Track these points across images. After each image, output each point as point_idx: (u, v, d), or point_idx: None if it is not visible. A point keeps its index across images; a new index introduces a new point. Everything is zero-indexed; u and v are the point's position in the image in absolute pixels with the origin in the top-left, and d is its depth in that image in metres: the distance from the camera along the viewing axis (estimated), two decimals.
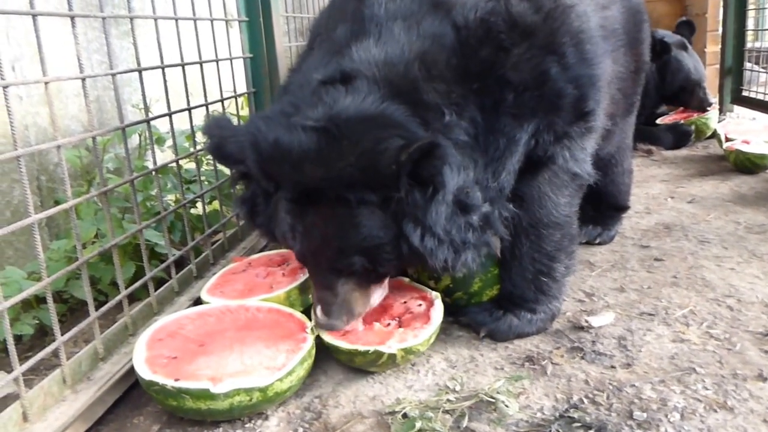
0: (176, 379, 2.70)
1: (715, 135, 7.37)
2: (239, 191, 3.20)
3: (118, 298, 3.22)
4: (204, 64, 4.23)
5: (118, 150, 4.64)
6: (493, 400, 2.79)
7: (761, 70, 8.57)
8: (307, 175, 2.65)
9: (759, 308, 3.50)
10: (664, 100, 8.07)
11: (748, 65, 8.56)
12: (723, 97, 8.50)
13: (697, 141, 7.89)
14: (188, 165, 4.80)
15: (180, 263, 3.87)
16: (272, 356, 2.90)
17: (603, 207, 4.70)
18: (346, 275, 2.92)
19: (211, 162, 4.68)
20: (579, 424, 2.63)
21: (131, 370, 2.94)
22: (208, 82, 4.26)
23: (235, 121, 3.07)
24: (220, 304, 3.35)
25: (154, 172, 3.69)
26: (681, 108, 8.15)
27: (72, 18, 2.92)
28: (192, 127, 4.17)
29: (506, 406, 2.75)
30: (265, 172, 2.80)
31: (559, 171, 3.19)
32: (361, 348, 2.97)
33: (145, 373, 2.76)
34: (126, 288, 3.28)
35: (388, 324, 3.22)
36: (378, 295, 3.18)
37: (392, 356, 2.96)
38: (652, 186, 6.16)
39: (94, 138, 3.07)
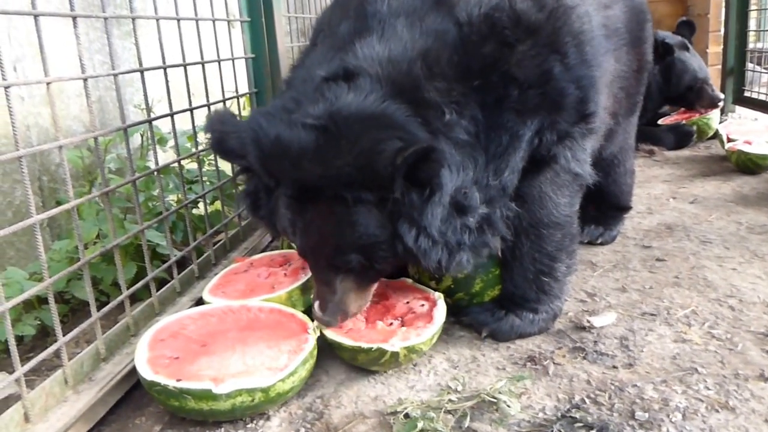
0: (178, 380, 2.70)
1: (716, 135, 7.36)
2: (241, 184, 3.20)
3: (119, 298, 3.22)
4: (206, 65, 4.23)
5: (120, 150, 4.64)
6: (494, 400, 2.78)
7: (763, 70, 8.57)
8: (305, 173, 2.67)
9: (761, 308, 3.50)
10: (669, 102, 8.03)
11: (750, 66, 8.55)
12: (725, 98, 8.47)
13: (699, 141, 7.89)
14: (190, 165, 4.80)
15: (182, 263, 3.88)
16: (274, 357, 2.90)
17: (605, 207, 4.70)
18: (344, 272, 2.94)
19: (213, 162, 4.69)
20: (581, 424, 2.63)
21: (133, 371, 2.95)
22: (210, 83, 4.26)
23: (237, 117, 3.06)
24: (222, 304, 3.35)
25: (155, 173, 3.70)
26: (683, 108, 8.13)
27: (74, 18, 2.92)
28: (194, 127, 4.17)
29: (508, 406, 2.74)
30: (265, 169, 2.82)
31: (561, 171, 3.19)
32: (365, 345, 2.98)
33: (146, 373, 2.76)
34: (128, 288, 3.29)
35: (391, 323, 3.22)
36: (371, 293, 3.21)
37: (395, 354, 2.96)
38: (654, 186, 6.16)
39: (95, 138, 3.07)
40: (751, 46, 8.60)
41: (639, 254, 4.41)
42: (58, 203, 4.09)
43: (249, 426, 2.81)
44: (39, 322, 3.56)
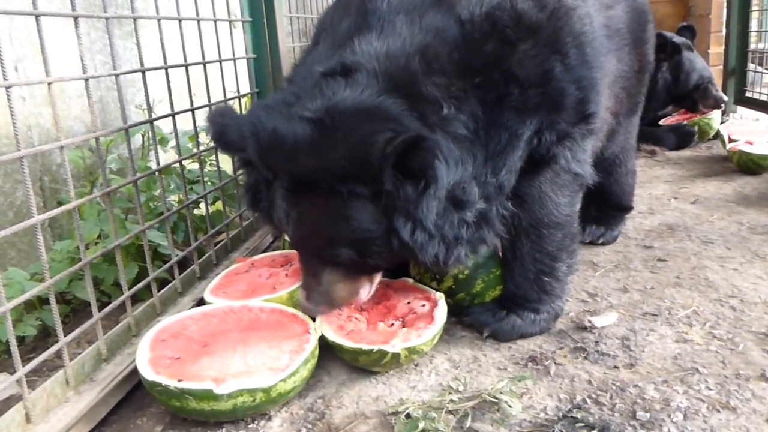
0: (179, 380, 2.70)
1: (718, 136, 7.36)
2: (242, 185, 3.21)
3: (121, 298, 3.22)
4: (207, 65, 4.23)
5: (122, 150, 4.64)
6: (496, 401, 2.79)
7: (765, 71, 8.57)
8: (301, 166, 2.68)
9: (762, 308, 3.50)
10: (675, 101, 8.03)
11: (751, 66, 8.55)
12: (727, 98, 8.47)
13: (701, 142, 7.90)
14: (191, 165, 4.80)
15: (183, 264, 3.88)
16: (275, 357, 2.90)
17: (606, 207, 4.71)
18: (333, 265, 2.95)
19: (214, 162, 4.69)
20: (582, 425, 2.63)
21: (134, 371, 2.95)
22: (211, 83, 4.26)
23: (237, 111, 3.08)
24: (223, 304, 3.35)
25: (157, 173, 3.70)
26: (684, 109, 8.14)
27: (75, 18, 2.92)
28: (195, 127, 4.17)
29: (509, 406, 2.74)
30: (263, 161, 2.84)
31: (561, 171, 3.19)
32: (365, 347, 2.98)
33: (148, 373, 2.76)
34: (129, 289, 3.29)
35: (392, 324, 3.22)
36: (366, 290, 3.19)
37: (396, 356, 2.96)
38: (656, 186, 6.16)
39: (97, 139, 3.07)
40: (752, 46, 8.60)
41: (640, 254, 4.41)
42: (60, 203, 4.10)
43: (250, 426, 2.81)
44: (40, 323, 3.56)
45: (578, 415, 2.69)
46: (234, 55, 4.72)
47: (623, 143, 4.57)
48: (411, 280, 3.60)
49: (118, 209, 4.12)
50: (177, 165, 3.98)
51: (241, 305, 3.32)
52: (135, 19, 3.49)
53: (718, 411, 2.67)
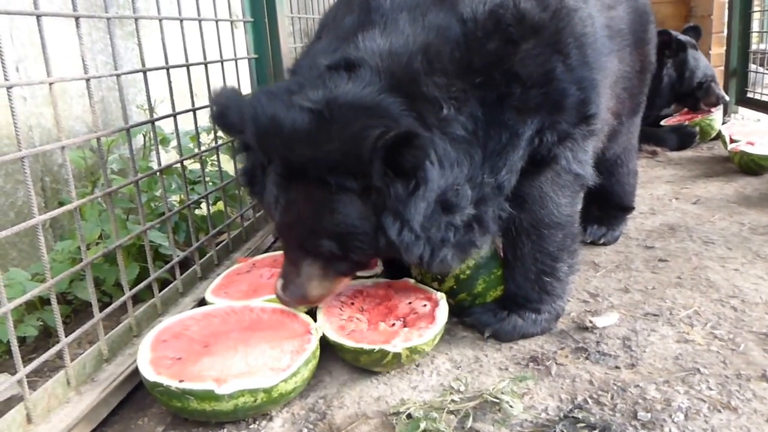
0: (180, 380, 2.70)
1: (719, 136, 7.35)
2: (240, 162, 3.22)
3: (122, 299, 3.22)
4: (209, 65, 4.23)
5: (123, 151, 4.65)
6: (497, 401, 2.79)
7: (766, 71, 8.55)
8: (295, 153, 2.70)
9: (763, 309, 3.50)
10: (678, 99, 8.03)
11: (752, 67, 8.54)
12: (728, 99, 8.47)
13: (702, 142, 7.90)
14: (193, 166, 4.80)
15: (184, 264, 3.88)
16: (277, 357, 2.90)
17: (608, 207, 4.71)
18: (313, 256, 2.96)
19: (216, 163, 4.68)
20: (583, 425, 2.63)
21: (135, 372, 2.95)
22: (212, 83, 4.25)
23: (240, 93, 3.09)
24: (224, 305, 3.35)
25: (158, 173, 3.69)
26: (687, 108, 8.15)
27: (76, 18, 2.92)
28: (197, 127, 4.17)
29: (510, 406, 2.75)
30: (260, 145, 2.85)
31: (562, 171, 3.19)
32: (367, 347, 2.98)
33: (149, 374, 2.76)
34: (130, 289, 3.29)
35: (393, 324, 3.22)
36: (342, 285, 3.23)
37: (397, 355, 2.96)
38: (657, 187, 6.16)
39: (98, 139, 3.07)
40: (754, 47, 8.59)
41: (642, 255, 4.41)
42: (61, 204, 4.09)
43: (252, 427, 2.81)
44: (41, 323, 3.56)
45: (579, 416, 2.69)
46: (235, 55, 4.71)
47: (625, 143, 4.57)
48: (412, 281, 3.60)
49: (119, 209, 4.12)
50: (178, 165, 3.98)
51: (243, 305, 3.32)
52: (136, 19, 3.49)
53: (719, 411, 2.68)
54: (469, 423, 2.69)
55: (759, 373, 2.93)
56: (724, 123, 7.92)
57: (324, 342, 3.08)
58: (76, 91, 4.52)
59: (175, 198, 4.73)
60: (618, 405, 2.76)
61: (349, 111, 2.66)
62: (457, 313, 3.55)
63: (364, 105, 2.69)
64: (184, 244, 4.46)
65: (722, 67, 8.71)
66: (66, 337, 2.80)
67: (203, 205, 4.46)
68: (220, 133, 4.67)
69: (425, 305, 3.32)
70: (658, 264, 4.21)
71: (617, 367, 3.05)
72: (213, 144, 4.68)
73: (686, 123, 7.84)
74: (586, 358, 3.14)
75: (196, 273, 3.97)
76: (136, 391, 3.08)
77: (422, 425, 2.62)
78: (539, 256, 3.32)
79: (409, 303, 3.37)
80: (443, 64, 2.82)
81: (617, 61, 3.69)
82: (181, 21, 3.94)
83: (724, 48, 8.69)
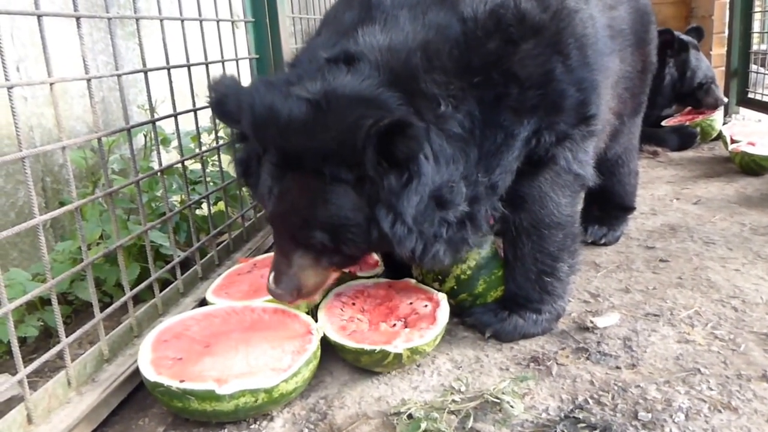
0: (181, 381, 2.70)
1: (720, 137, 7.35)
2: (238, 151, 3.21)
3: (123, 299, 3.22)
4: (210, 65, 4.23)
5: (124, 151, 4.65)
6: (498, 401, 2.79)
7: (767, 72, 8.55)
8: (290, 142, 2.70)
9: (763, 309, 3.50)
10: (679, 99, 8.03)
11: (753, 67, 8.55)
12: (729, 99, 8.46)
13: (703, 143, 7.90)
14: (193, 166, 4.81)
15: (185, 264, 3.87)
16: (278, 357, 2.90)
17: (609, 207, 4.71)
18: (305, 248, 2.94)
19: (217, 163, 4.69)
20: (584, 425, 2.63)
21: (136, 372, 2.95)
22: None
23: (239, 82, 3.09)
24: (225, 305, 3.35)
25: (159, 173, 3.69)
26: (688, 109, 8.15)
27: (77, 18, 2.93)
28: (197, 127, 4.17)
29: (511, 406, 2.74)
30: (255, 134, 2.85)
31: (561, 172, 3.19)
32: (368, 347, 2.98)
33: (150, 374, 2.76)
34: (131, 289, 3.29)
35: (394, 324, 3.22)
36: (333, 278, 3.23)
37: (398, 356, 2.96)
38: (658, 187, 6.16)
39: (99, 139, 3.07)
40: (755, 47, 8.59)
41: (642, 255, 4.41)
42: (62, 204, 4.09)
43: (252, 427, 2.81)
44: (42, 324, 3.55)
45: (580, 416, 2.69)
46: (236, 55, 4.71)
47: (626, 144, 4.58)
48: (413, 281, 3.60)
49: (120, 210, 4.12)
50: (179, 165, 3.98)
51: (244, 306, 3.32)
52: (137, 20, 3.50)
53: (720, 411, 2.68)
54: (470, 423, 2.69)
55: (759, 373, 2.93)
56: (725, 123, 7.93)
57: (325, 342, 3.08)
58: (77, 92, 4.52)
59: (176, 198, 4.73)
60: (619, 405, 2.76)
61: (347, 102, 2.66)
62: (458, 313, 3.55)
63: (362, 97, 2.68)
64: (185, 244, 4.46)
65: (723, 68, 8.71)
66: (66, 337, 2.80)
67: (204, 206, 4.47)
68: (221, 133, 4.67)
69: (426, 306, 3.32)
70: (659, 264, 4.22)
71: (618, 368, 3.05)
72: (214, 144, 4.68)
73: (687, 123, 7.85)
74: (587, 359, 3.14)
75: (197, 273, 3.97)
76: (136, 392, 3.08)
77: (423, 425, 2.62)
78: (539, 256, 3.32)
79: (410, 303, 3.38)
80: (442, 62, 2.83)
81: (619, 61, 3.70)
82: (182, 21, 3.94)
83: (725, 48, 8.69)
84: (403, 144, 2.51)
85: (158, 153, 3.71)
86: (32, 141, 4.08)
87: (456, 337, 3.45)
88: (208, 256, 4.19)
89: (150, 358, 2.87)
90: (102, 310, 3.06)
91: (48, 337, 3.66)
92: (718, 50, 9.03)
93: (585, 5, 3.22)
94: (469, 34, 2.87)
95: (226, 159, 4.56)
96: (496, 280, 3.51)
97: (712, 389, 2.83)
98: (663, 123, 8.05)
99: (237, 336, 3.06)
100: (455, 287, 3.52)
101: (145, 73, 3.54)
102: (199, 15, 4.19)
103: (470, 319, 3.51)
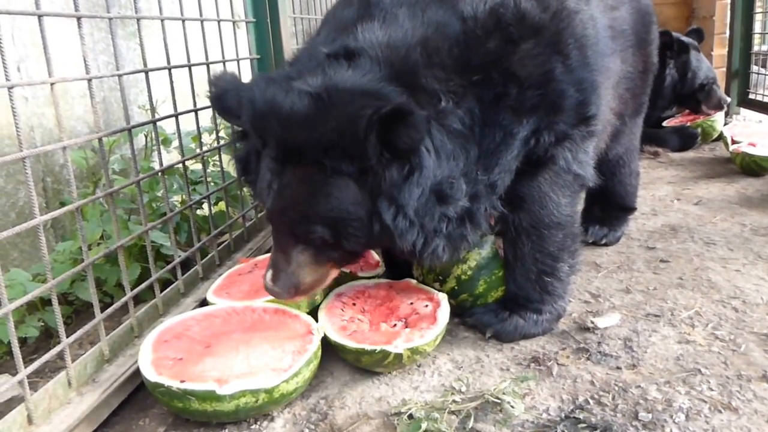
0: (182, 381, 2.70)
1: (721, 137, 7.35)
2: (238, 150, 3.20)
3: (123, 299, 3.22)
4: (211, 65, 4.23)
5: (124, 151, 4.65)
6: (498, 401, 2.79)
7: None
8: (291, 135, 2.68)
9: (764, 310, 3.50)
10: (679, 100, 8.01)
11: (754, 68, 8.56)
12: (730, 100, 8.46)
13: (704, 143, 7.91)
14: (194, 166, 4.81)
15: (186, 264, 3.87)
16: (278, 357, 2.90)
17: (610, 208, 4.72)
18: (304, 243, 2.91)
19: (218, 163, 4.69)
20: (584, 425, 2.63)
21: (137, 372, 2.95)
22: None
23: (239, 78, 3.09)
24: (226, 305, 3.35)
25: (160, 173, 3.69)
26: (688, 110, 8.14)
27: (78, 19, 2.92)
28: (198, 128, 4.17)
29: (512, 406, 2.74)
30: (255, 128, 2.83)
31: (561, 172, 3.19)
32: (368, 347, 2.98)
33: (150, 374, 2.76)
34: (132, 289, 3.28)
35: (395, 325, 3.22)
36: (332, 276, 3.19)
37: (399, 356, 2.96)
38: (659, 188, 6.16)
39: (100, 139, 3.07)
40: (756, 48, 8.60)
41: (643, 255, 4.41)
42: (62, 204, 4.09)
43: (253, 427, 2.81)
44: (42, 324, 3.55)
45: (581, 416, 2.69)
46: (237, 55, 4.71)
47: (627, 144, 4.58)
48: (414, 281, 3.60)
49: (120, 210, 4.13)
50: (180, 165, 3.97)
51: (244, 306, 3.32)
52: (138, 20, 3.49)
53: (720, 412, 2.68)
54: (471, 423, 2.69)
55: (760, 373, 2.93)
56: (725, 124, 7.95)
57: (325, 342, 3.08)
58: (78, 92, 4.52)
59: (176, 198, 4.73)
60: (619, 405, 2.76)
61: (348, 95, 2.66)
62: (458, 313, 3.56)
63: (364, 90, 2.69)
64: (186, 244, 4.46)
65: (724, 69, 8.72)
66: (67, 337, 2.80)
67: (205, 206, 4.47)
68: (222, 134, 4.67)
69: (427, 306, 3.32)
70: (660, 265, 4.22)
71: (618, 368, 3.05)
72: (215, 144, 4.68)
73: (688, 124, 7.85)
74: (588, 359, 3.14)
75: (198, 273, 3.97)
76: (137, 392, 3.08)
77: (423, 425, 2.62)
78: (539, 256, 3.32)
79: (411, 303, 3.38)
80: (442, 59, 2.83)
81: (620, 61, 3.70)
82: (183, 21, 3.94)
83: (726, 49, 8.70)
84: (405, 133, 2.51)
85: (159, 153, 3.71)
86: (33, 141, 4.08)
87: (457, 337, 3.45)
88: (209, 256, 4.19)
89: (150, 359, 2.87)
90: (102, 310, 3.06)
91: (48, 337, 3.66)
92: (719, 51, 9.03)
93: (586, 6, 3.22)
94: (469, 32, 2.88)
95: (227, 159, 4.56)
96: (497, 280, 3.51)
97: (712, 389, 2.83)
98: (664, 124, 8.05)
99: (238, 336, 3.06)
100: (456, 287, 3.52)
101: (146, 73, 3.53)
102: (200, 15, 4.19)
103: (471, 319, 3.51)
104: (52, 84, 2.75)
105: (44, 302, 3.61)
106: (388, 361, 2.98)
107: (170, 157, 4.80)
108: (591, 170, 3.35)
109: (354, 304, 3.40)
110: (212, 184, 4.62)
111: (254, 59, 4.91)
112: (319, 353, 3.01)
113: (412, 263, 3.74)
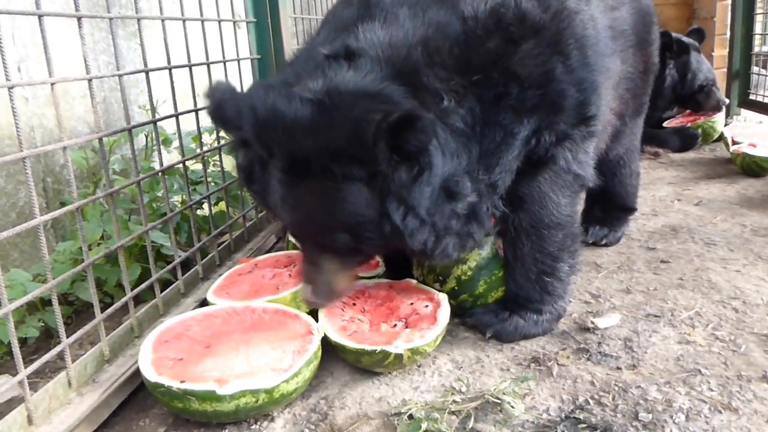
0: (182, 381, 2.70)
1: (721, 138, 7.36)
2: (239, 158, 3.19)
3: (123, 299, 3.22)
4: (211, 65, 4.23)
5: (125, 151, 4.65)
6: (498, 401, 2.79)
7: None
8: (298, 145, 2.65)
9: (764, 310, 3.50)
10: (679, 101, 8.02)
11: (755, 69, 8.56)
12: (730, 101, 8.46)
13: (704, 144, 7.91)
14: (195, 166, 4.81)
15: (186, 264, 3.87)
16: (278, 358, 2.90)
17: (610, 208, 4.72)
18: (331, 251, 2.93)
19: (218, 163, 4.69)
20: (585, 425, 2.63)
21: (137, 372, 2.95)
22: None
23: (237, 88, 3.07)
24: (226, 305, 3.35)
25: (160, 174, 3.69)
26: (689, 111, 8.14)
27: (78, 19, 2.92)
28: (199, 128, 4.17)
29: (512, 407, 2.74)
30: (259, 139, 2.79)
31: (561, 172, 3.19)
32: (368, 348, 2.98)
33: (150, 374, 2.76)
34: (132, 290, 3.28)
35: (395, 325, 3.22)
36: (354, 277, 3.22)
37: (399, 356, 2.96)
38: (659, 188, 6.16)
39: (100, 139, 3.07)
40: (756, 49, 8.59)
41: (643, 256, 4.41)
42: (63, 204, 4.09)
43: (253, 427, 2.81)
44: (42, 324, 3.55)
45: (581, 416, 2.69)
46: (238, 55, 4.72)
47: (628, 144, 4.58)
48: (414, 282, 3.60)
49: (121, 210, 4.13)
50: (180, 165, 3.98)
51: (244, 306, 3.32)
52: (139, 20, 3.50)
53: (720, 412, 2.68)
54: (471, 423, 2.69)
55: (760, 374, 2.93)
56: (726, 125, 7.95)
57: (326, 343, 3.08)
58: (78, 92, 4.52)
59: (176, 198, 4.73)
60: (619, 406, 2.76)
61: (352, 98, 2.64)
62: (458, 313, 3.56)
63: (367, 92, 2.67)
64: (186, 244, 4.46)
65: (725, 69, 8.72)
66: (67, 338, 2.80)
67: (205, 206, 4.47)
68: (222, 134, 4.67)
69: (427, 306, 3.32)
70: (660, 265, 4.22)
71: (618, 368, 3.05)
72: (215, 144, 4.68)
73: (688, 125, 7.86)
74: (588, 359, 3.14)
75: (198, 273, 3.98)
76: (137, 392, 3.08)
77: (424, 426, 2.62)
78: (539, 256, 3.32)
79: (411, 304, 3.38)
80: (442, 59, 2.83)
81: (620, 61, 3.70)
82: (184, 21, 3.94)
83: (727, 50, 8.70)
84: (414, 137, 2.50)
85: (159, 153, 3.71)
86: (33, 141, 4.08)
87: (457, 337, 3.45)
88: (209, 256, 4.19)
89: (151, 359, 2.87)
90: (103, 310, 3.06)
91: (48, 337, 3.66)
92: (720, 52, 9.03)
93: (586, 6, 3.21)
94: (470, 32, 2.87)
95: (227, 159, 4.57)
96: (497, 280, 3.51)
97: (712, 390, 2.83)
98: (664, 124, 8.05)
99: (238, 336, 3.06)
100: (456, 288, 3.52)
101: (147, 73, 3.53)
102: (201, 15, 4.19)
103: (471, 319, 3.51)
104: (52, 84, 2.75)
105: (44, 302, 3.61)
106: (389, 362, 2.98)
107: (170, 157, 4.80)
108: (591, 170, 3.35)
109: (354, 304, 3.40)
110: (212, 184, 4.62)
111: (255, 59, 4.92)
112: (320, 353, 3.01)
113: (412, 263, 3.74)
